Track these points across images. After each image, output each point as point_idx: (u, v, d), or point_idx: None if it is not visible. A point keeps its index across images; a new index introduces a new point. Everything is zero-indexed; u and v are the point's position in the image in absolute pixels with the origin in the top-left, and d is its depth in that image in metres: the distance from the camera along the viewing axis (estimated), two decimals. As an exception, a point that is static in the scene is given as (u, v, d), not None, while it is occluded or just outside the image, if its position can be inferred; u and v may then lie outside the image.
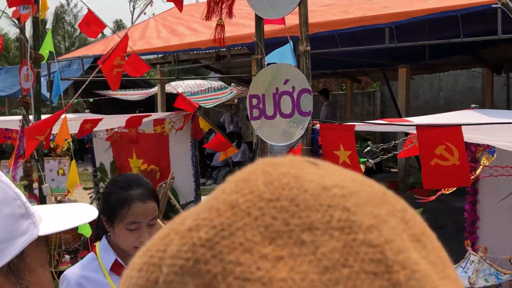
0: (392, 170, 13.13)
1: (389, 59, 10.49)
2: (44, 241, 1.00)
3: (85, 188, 8.55)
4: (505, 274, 3.45)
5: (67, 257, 6.25)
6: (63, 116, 4.90)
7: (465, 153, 2.62)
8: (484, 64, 12.72)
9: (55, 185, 7.57)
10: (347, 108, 15.96)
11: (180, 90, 17.81)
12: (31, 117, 5.12)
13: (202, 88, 17.26)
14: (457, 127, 2.51)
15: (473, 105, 4.08)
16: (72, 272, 1.95)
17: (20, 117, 5.38)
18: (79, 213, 1.06)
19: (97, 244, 2.02)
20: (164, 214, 6.88)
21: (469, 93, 15.51)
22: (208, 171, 14.35)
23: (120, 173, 7.96)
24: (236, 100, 18.74)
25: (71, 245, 6.05)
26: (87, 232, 5.25)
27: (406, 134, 3.44)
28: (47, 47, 5.30)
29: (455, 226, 6.38)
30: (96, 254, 1.98)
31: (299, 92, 2.88)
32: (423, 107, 16.21)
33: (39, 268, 0.97)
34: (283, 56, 3.60)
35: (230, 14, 3.56)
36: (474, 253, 3.54)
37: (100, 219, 2.00)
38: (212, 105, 18.19)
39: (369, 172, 3.12)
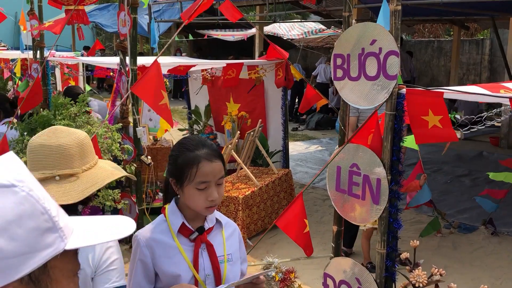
0: (495, 123, 12.44)
1: (500, 9, 9.70)
2: (74, 253, 1.02)
3: (180, 130, 8.85)
4: None
5: (161, 194, 6.57)
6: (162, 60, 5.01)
7: None
8: None
9: (153, 125, 7.87)
10: (452, 56, 15.07)
11: (279, 32, 17.68)
12: (127, 61, 5.31)
13: (300, 32, 16.99)
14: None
15: None
16: (143, 235, 2.03)
17: (118, 60, 5.58)
18: (117, 227, 1.05)
19: (166, 206, 2.08)
20: (253, 160, 7.00)
21: None
22: (301, 116, 14.31)
23: (214, 116, 8.14)
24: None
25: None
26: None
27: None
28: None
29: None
30: (165, 216, 2.05)
31: (386, 53, 2.73)
32: (536, 59, 14.99)
33: (64, 279, 0.99)
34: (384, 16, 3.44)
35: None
36: None
37: (169, 182, 2.06)
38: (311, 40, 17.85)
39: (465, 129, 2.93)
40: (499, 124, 11.19)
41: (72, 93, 5.82)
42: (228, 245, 2.10)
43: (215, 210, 2.09)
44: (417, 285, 2.65)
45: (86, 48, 21.71)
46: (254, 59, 14.75)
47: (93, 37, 24.26)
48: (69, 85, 7.74)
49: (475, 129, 2.76)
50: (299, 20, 17.30)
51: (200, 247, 2.03)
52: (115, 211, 4.82)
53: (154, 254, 1.99)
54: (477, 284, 4.93)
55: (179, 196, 2.05)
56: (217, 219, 2.12)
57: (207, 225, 2.07)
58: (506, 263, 5.40)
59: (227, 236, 2.13)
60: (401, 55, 9.27)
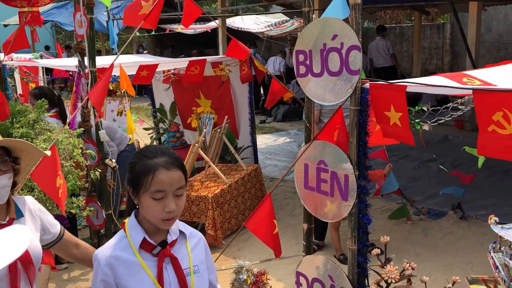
0: (459, 107, 12.60)
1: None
2: None
3: (145, 129, 8.71)
4: None
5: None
6: (119, 60, 4.88)
7: None
8: None
9: (117, 125, 7.71)
10: (414, 41, 15.21)
11: (243, 26, 17.57)
12: (86, 62, 5.17)
13: (263, 26, 16.93)
14: (517, 92, 2.28)
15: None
16: (103, 253, 1.94)
17: (76, 62, 5.42)
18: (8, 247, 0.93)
19: (126, 221, 2.00)
20: (221, 157, 6.93)
21: (548, 25, 14.44)
22: (267, 109, 14.27)
23: (181, 114, 8.03)
24: (298, 33, 18.33)
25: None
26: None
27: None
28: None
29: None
30: (125, 231, 1.97)
31: (348, 48, 2.69)
32: (496, 41, 15.27)
33: None
34: (337, 9, 3.40)
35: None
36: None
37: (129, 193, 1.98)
38: (276, 33, 17.80)
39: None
40: (463, 107, 11.35)
41: (41, 95, 5.65)
42: (193, 257, 2.03)
43: (178, 220, 2.02)
44: (389, 281, 2.63)
45: (47, 48, 21.25)
46: (218, 52, 14.65)
47: (52, 37, 23.74)
48: (39, 85, 7.51)
49: (443, 120, 2.75)
50: (262, 12, 17.20)
51: (164, 261, 1.95)
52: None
53: (116, 272, 1.91)
54: (448, 270, 4.99)
55: (138, 206, 1.97)
56: (180, 231, 2.04)
57: (170, 238, 1.99)
58: (476, 247, 5.47)
59: (192, 247, 2.06)
60: (377, 43, 9.15)
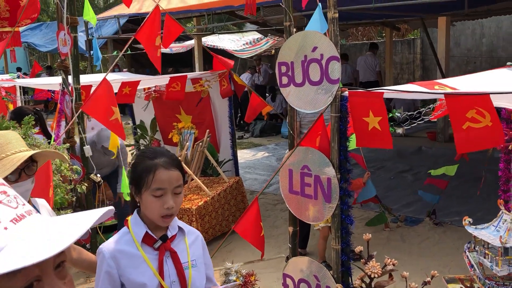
0: (431, 119, 12.97)
1: (428, 11, 10.18)
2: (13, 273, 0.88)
3: (126, 145, 8.77)
4: (538, 233, 3.44)
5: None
6: (103, 78, 5.02)
7: (496, 114, 2.60)
8: (529, 9, 12.20)
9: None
10: (386, 57, 15.62)
11: (219, 45, 17.79)
12: (70, 80, 5.28)
13: (239, 45, 17.19)
14: (485, 96, 2.49)
15: (509, 63, 3.98)
16: (107, 247, 2.09)
17: (60, 80, 5.53)
18: (54, 239, 0.90)
19: (129, 218, 2.15)
20: (202, 171, 7.06)
21: (513, 39, 14.97)
22: (246, 124, 14.46)
23: (162, 129, 8.14)
24: (273, 51, 18.62)
25: (113, 201, 6.27)
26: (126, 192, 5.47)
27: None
28: (88, 14, 5.42)
29: (495, 178, 6.33)
30: (128, 227, 2.11)
31: (327, 59, 2.89)
32: (464, 55, 15.74)
33: None
34: (316, 24, 3.59)
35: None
36: (507, 212, 3.54)
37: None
38: (250, 55, 18.09)
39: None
40: (436, 120, 11.71)
41: (22, 115, 5.72)
42: (191, 252, 2.18)
43: (176, 218, 2.17)
44: (372, 275, 2.79)
45: (19, 69, 21.14)
46: (194, 70, 14.82)
47: (26, 58, 23.62)
48: (18, 106, 7.56)
49: (415, 124, 2.94)
50: (238, 31, 17.47)
51: (165, 255, 2.10)
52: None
53: (120, 265, 2.05)
54: (427, 273, 5.18)
55: (139, 204, 2.12)
56: (179, 227, 2.19)
57: (170, 233, 2.14)
58: (452, 251, 5.68)
59: (190, 243, 2.20)
60: (366, 58, 9.42)
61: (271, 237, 6.42)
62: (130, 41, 5.09)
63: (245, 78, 15.33)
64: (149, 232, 2.10)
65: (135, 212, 2.15)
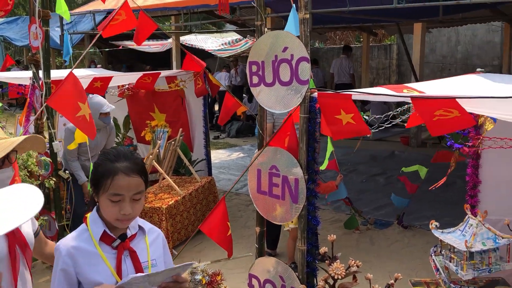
0: (401, 123, 13.12)
1: (403, 16, 10.29)
2: None
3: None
4: (502, 238, 3.49)
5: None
6: (76, 72, 4.95)
7: (464, 109, 2.61)
8: (503, 18, 12.42)
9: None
10: (363, 61, 15.75)
11: (197, 44, 17.74)
12: (41, 74, 5.20)
13: (217, 44, 17.16)
14: (452, 100, 2.51)
15: (478, 69, 4.04)
16: (64, 244, 2.04)
17: (30, 74, 5.44)
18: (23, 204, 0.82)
19: (88, 215, 2.10)
20: (175, 170, 7.01)
21: (487, 47, 15.20)
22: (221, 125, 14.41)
23: (135, 127, 8.07)
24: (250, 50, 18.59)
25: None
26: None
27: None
28: (61, 8, 5.34)
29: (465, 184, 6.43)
30: (87, 225, 2.07)
31: (297, 60, 2.89)
32: (440, 61, 15.96)
33: None
34: (291, 26, 3.60)
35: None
36: (473, 217, 3.59)
37: None
38: (228, 55, 18.07)
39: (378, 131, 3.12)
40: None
41: None
42: (151, 251, 2.14)
43: (137, 217, 2.13)
44: (336, 277, 2.80)
45: (-6, 63, 20.78)
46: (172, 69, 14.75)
47: (1, 52, 23.23)
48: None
49: (383, 127, 2.96)
50: (216, 30, 17.44)
51: (123, 254, 2.05)
52: None
53: (77, 262, 2.00)
54: (391, 276, 5.22)
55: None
56: (139, 226, 2.15)
57: (129, 232, 2.10)
58: (420, 255, 5.73)
59: (151, 242, 2.17)
60: (341, 61, 9.51)
61: (242, 237, 6.40)
62: (96, 38, 5.03)
63: (222, 77, 15.28)
64: (107, 231, 2.05)
65: (94, 209, 2.10)
